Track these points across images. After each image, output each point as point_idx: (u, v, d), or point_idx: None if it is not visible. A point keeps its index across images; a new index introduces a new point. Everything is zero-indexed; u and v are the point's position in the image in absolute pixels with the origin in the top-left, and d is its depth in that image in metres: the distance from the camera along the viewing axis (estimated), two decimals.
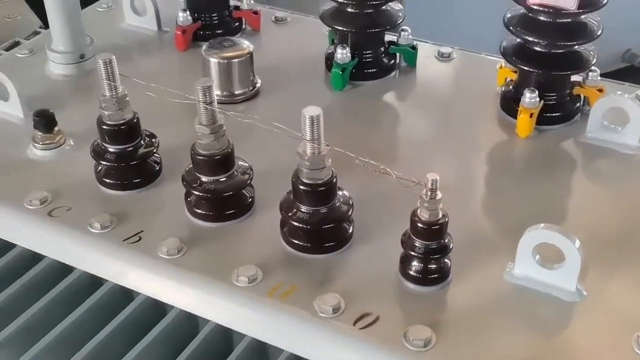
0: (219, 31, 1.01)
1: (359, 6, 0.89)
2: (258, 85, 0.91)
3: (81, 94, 0.92)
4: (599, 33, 0.80)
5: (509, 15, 0.84)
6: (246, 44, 0.90)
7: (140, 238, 0.71)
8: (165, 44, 1.03)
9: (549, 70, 0.82)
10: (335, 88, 0.91)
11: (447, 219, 0.63)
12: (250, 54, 0.89)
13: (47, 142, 0.81)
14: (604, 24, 0.81)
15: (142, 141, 0.76)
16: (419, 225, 0.63)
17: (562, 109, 0.84)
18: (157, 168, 0.78)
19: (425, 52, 0.97)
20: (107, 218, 0.72)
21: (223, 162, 0.71)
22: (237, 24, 1.03)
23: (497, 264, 0.67)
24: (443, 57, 0.98)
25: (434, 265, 0.65)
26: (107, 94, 0.73)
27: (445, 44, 0.99)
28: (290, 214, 0.68)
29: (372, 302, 0.64)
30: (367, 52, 0.93)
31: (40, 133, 0.81)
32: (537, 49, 0.82)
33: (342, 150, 0.65)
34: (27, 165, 0.81)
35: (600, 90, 0.85)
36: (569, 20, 0.79)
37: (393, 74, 0.95)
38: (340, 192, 0.68)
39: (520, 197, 0.75)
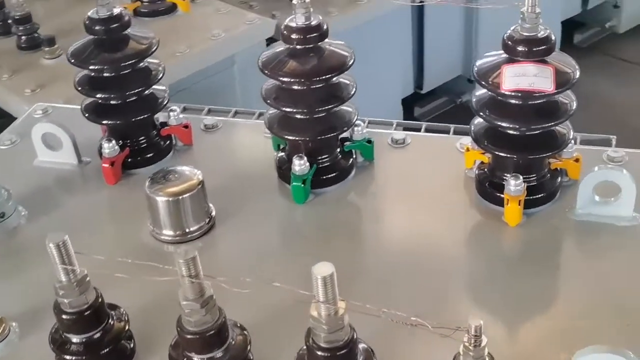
0: (149, 155, 0.91)
1: (310, 113, 0.82)
2: (213, 214, 0.82)
3: (10, 263, 0.80)
4: (574, 108, 0.76)
5: (475, 100, 0.78)
6: (194, 172, 0.80)
7: None
8: (90, 177, 0.92)
9: (526, 154, 0.78)
10: (298, 202, 0.83)
11: None
12: (202, 183, 0.79)
13: None
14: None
15: (110, 320, 0.65)
16: None
17: (544, 188, 0.80)
18: (132, 345, 0.67)
19: (379, 141, 0.91)
20: None
21: (218, 335, 0.61)
22: (167, 142, 0.93)
23: None
24: (397, 144, 0.91)
25: None
26: (64, 280, 0.62)
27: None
28: None
29: None
30: (324, 157, 0.85)
31: None
32: (511, 132, 0.77)
33: (360, 304, 0.57)
34: None
35: (577, 160, 0.81)
36: (543, 100, 0.75)
37: (353, 172, 0.87)
38: (360, 346, 0.60)
39: (531, 290, 0.70)
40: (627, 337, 0.65)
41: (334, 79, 0.81)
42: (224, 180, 0.87)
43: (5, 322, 0.70)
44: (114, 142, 0.88)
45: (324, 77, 0.80)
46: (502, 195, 0.78)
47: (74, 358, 0.64)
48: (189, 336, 0.60)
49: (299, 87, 0.80)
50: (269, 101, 0.82)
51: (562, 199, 0.80)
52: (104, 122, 0.90)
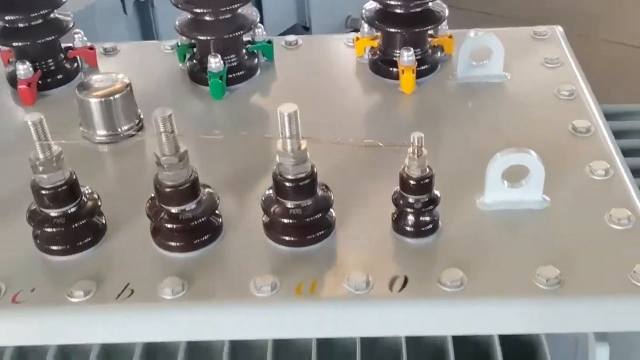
0: (59, 76, 0.96)
1: (215, 14, 0.90)
2: (142, 116, 0.88)
3: None
4: None
5: None
6: (121, 76, 0.86)
7: (132, 291, 0.67)
8: (3, 103, 0.94)
9: (412, 28, 0.91)
10: (216, 97, 0.92)
11: (433, 173, 0.68)
12: (129, 85, 0.86)
13: None
14: None
15: (83, 197, 0.71)
16: (411, 182, 0.67)
17: (427, 60, 0.93)
18: (103, 221, 0.73)
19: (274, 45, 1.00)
20: (86, 283, 0.67)
21: (193, 188, 0.69)
22: (75, 65, 0.98)
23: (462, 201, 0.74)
24: (291, 45, 1.02)
25: (428, 218, 0.70)
26: (42, 157, 0.67)
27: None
28: (278, 213, 0.69)
29: (389, 266, 0.67)
30: (232, 56, 0.94)
31: None
32: (398, 11, 0.90)
33: (314, 138, 0.67)
34: None
35: (450, 37, 0.95)
36: None
37: (259, 71, 0.97)
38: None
39: (439, 143, 0.83)
40: None
41: None
42: (139, 97, 0.93)
43: None
44: (28, 63, 0.92)
45: None
46: (395, 69, 0.91)
47: (54, 230, 0.69)
48: (167, 190, 0.68)
49: None
50: (180, 5, 0.90)
51: (443, 69, 0.95)
52: (14, 43, 0.93)
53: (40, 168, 0.67)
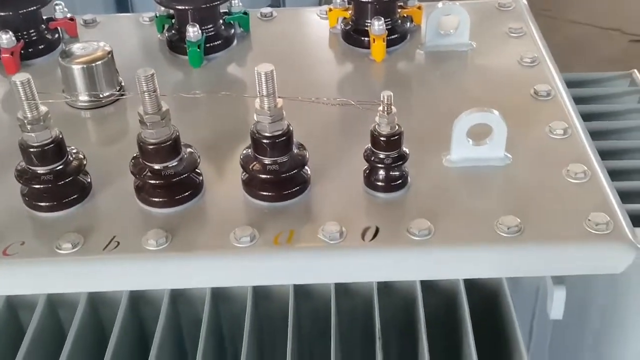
0: (41, 46, 0.98)
1: None
2: (123, 83, 0.91)
3: None
4: None
5: None
6: (102, 44, 0.89)
7: (118, 243, 0.70)
8: None
9: None
10: (195, 65, 0.95)
11: (402, 130, 0.72)
12: (111, 52, 0.89)
13: None
14: None
15: (69, 156, 0.74)
16: (382, 138, 0.72)
17: (397, 30, 0.97)
18: (89, 180, 0.76)
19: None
20: (74, 236, 0.70)
21: (175, 146, 0.72)
22: (56, 35, 1.00)
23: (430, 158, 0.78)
24: (266, 17, 1.05)
25: (397, 173, 0.74)
26: (29, 116, 0.70)
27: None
28: (256, 169, 0.72)
29: (361, 218, 0.71)
30: (209, 26, 0.97)
31: None
32: None
33: (290, 98, 0.71)
34: None
35: (420, 8, 1.00)
36: None
37: (235, 41, 1.00)
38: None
39: (408, 106, 0.87)
40: None
41: None
42: (119, 66, 0.96)
43: None
44: (10, 33, 0.94)
45: None
46: (367, 39, 0.95)
47: (41, 187, 0.73)
48: (150, 147, 0.71)
49: None
50: None
51: (413, 39, 0.99)
52: None
53: (29, 127, 0.70)
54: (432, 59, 0.95)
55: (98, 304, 0.74)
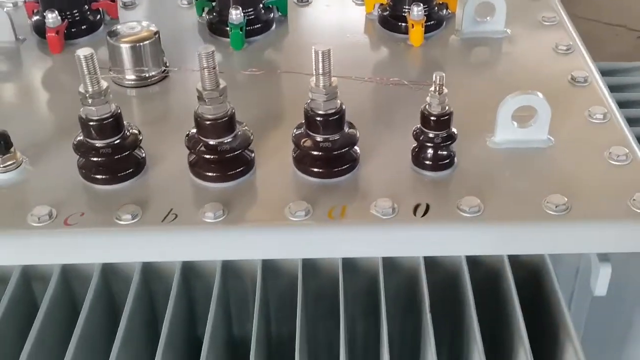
0: (83, 27, 1.00)
1: None
2: (168, 64, 0.93)
3: None
4: None
5: None
6: (149, 24, 0.91)
7: (176, 215, 0.72)
8: (30, 52, 0.99)
9: None
10: (236, 48, 0.97)
11: (452, 110, 0.74)
12: (158, 33, 0.90)
13: (9, 163, 0.77)
14: None
15: (127, 130, 0.76)
16: (432, 118, 0.74)
17: (434, 17, 0.99)
18: (143, 155, 0.78)
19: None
20: (133, 208, 0.72)
21: (230, 122, 0.74)
22: (98, 16, 1.02)
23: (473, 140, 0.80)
24: (303, 2, 1.07)
25: (445, 152, 0.76)
26: (91, 90, 0.72)
27: None
28: (308, 146, 0.74)
29: (410, 196, 0.73)
30: (250, 10, 0.99)
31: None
32: None
33: (344, 76, 0.73)
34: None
35: None
36: None
37: (274, 25, 1.02)
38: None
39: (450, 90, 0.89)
40: None
41: None
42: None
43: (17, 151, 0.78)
44: (56, 12, 0.96)
45: None
46: (405, 24, 0.97)
47: (99, 160, 0.74)
48: (207, 122, 0.73)
49: None
50: None
51: (448, 26, 1.01)
52: None
53: (90, 100, 0.72)
54: (468, 45, 0.98)
55: (110, 276, 0.75)
